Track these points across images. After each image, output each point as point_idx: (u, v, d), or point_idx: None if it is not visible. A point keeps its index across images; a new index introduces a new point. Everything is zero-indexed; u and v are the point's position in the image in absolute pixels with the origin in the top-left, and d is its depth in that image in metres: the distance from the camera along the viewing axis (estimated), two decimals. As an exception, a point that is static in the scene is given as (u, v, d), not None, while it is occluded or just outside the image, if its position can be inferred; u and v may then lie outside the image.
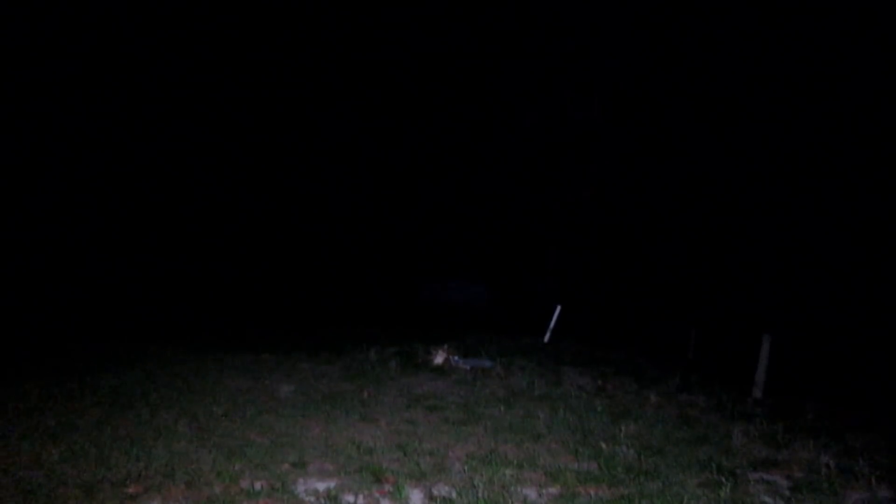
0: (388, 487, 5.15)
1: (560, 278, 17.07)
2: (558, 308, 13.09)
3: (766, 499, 5.23)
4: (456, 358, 10.06)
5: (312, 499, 4.89)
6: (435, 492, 5.09)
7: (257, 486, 5.03)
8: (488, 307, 17.69)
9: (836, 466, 5.88)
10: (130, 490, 4.84)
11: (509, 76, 18.48)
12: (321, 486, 5.12)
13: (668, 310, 14.60)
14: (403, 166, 19.96)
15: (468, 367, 9.78)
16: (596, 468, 5.77)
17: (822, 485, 5.49)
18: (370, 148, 19.86)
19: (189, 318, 15.56)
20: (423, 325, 14.79)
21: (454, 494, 5.04)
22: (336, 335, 13.28)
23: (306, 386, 8.37)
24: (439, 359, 9.97)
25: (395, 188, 20.27)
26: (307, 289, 19.63)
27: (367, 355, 10.46)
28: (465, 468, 5.60)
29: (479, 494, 5.05)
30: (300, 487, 5.07)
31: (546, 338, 13.01)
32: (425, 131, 19.68)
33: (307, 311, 17.80)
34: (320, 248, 19.95)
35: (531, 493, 5.17)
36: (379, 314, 17.10)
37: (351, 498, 4.94)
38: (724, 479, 5.49)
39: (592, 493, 5.23)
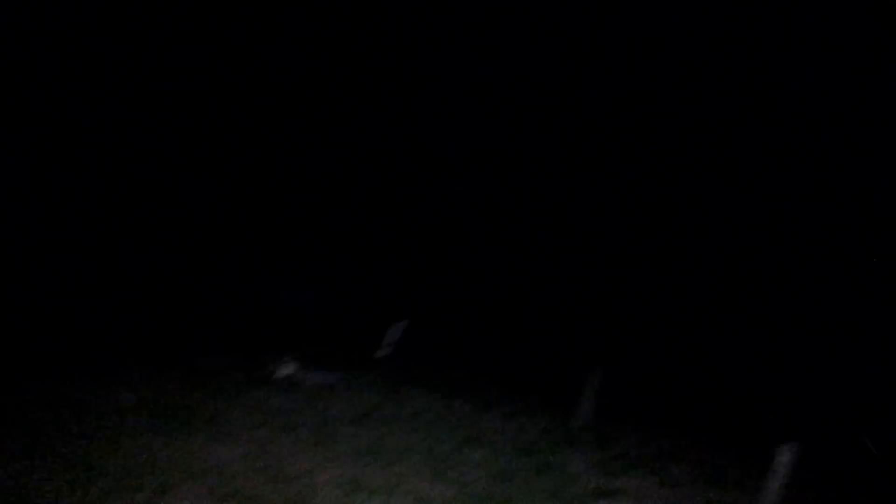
0: (260, 517, 5.09)
1: (396, 287, 17.35)
2: (402, 323, 13.35)
3: (606, 527, 5.87)
4: (302, 370, 9.96)
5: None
6: (310, 522, 5.12)
7: (121, 516, 4.75)
8: (323, 312, 17.47)
9: (662, 496, 6.73)
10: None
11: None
12: (191, 515, 4.94)
13: (502, 331, 15.45)
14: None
15: (315, 382, 9.74)
16: (454, 495, 6.10)
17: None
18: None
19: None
20: (261, 332, 14.36)
21: (329, 525, 5.11)
22: (164, 337, 12.53)
23: (147, 397, 7.88)
24: (285, 371, 9.82)
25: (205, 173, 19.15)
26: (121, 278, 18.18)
27: (207, 363, 10.03)
28: (335, 496, 5.66)
29: (354, 524, 5.16)
30: (168, 518, 4.86)
31: (386, 352, 13.22)
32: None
33: (127, 306, 16.55)
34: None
35: (402, 522, 5.38)
36: (212, 316, 16.31)
37: (225, 529, 4.83)
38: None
39: (457, 522, 5.55)
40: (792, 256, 14.51)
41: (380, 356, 13.20)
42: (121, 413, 7.09)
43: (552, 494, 6.39)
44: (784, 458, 5.57)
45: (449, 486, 6.32)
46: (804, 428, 9.11)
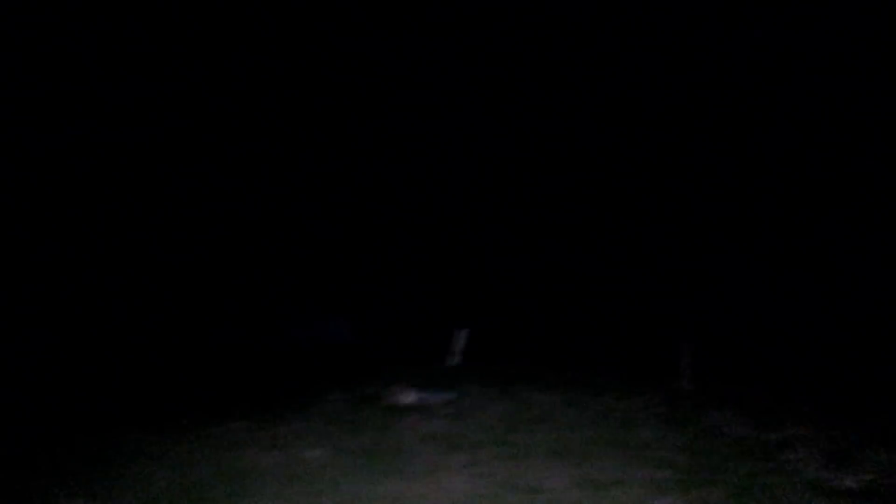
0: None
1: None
2: (463, 331, 13.87)
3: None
4: (424, 394, 10.37)
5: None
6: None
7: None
8: (356, 341, 17.51)
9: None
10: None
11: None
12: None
13: (559, 317, 16.17)
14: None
15: (441, 401, 10.18)
16: (670, 476, 6.75)
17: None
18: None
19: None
20: (314, 367, 14.56)
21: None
22: (244, 384, 12.61)
23: (326, 445, 8.16)
24: (410, 397, 10.21)
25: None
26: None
27: (330, 405, 10.31)
28: (588, 496, 6.21)
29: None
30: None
31: (454, 361, 13.71)
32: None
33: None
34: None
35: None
36: (239, 359, 16.37)
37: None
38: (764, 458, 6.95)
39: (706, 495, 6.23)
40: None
41: (451, 365, 13.72)
42: (311, 466, 7.37)
43: (745, 451, 7.23)
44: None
45: (660, 470, 6.97)
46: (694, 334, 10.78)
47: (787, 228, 15.10)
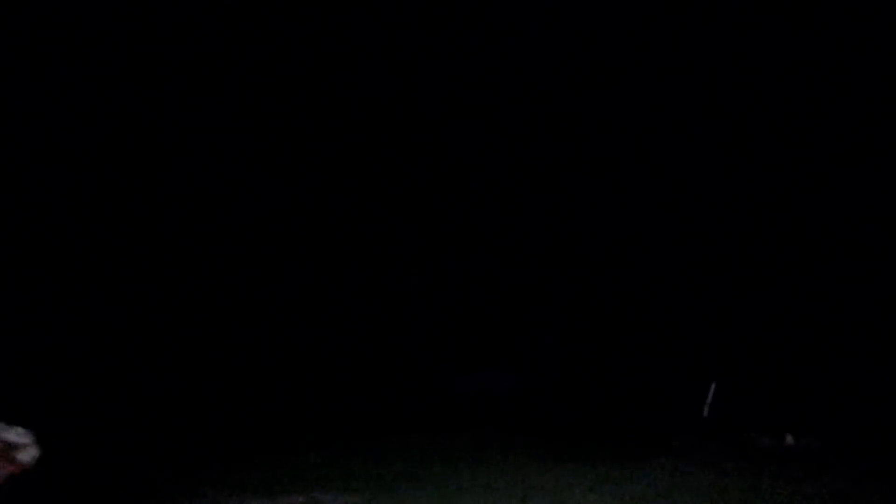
0: None
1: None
2: (713, 383, 15.02)
3: None
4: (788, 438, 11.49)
5: None
6: None
7: None
8: (522, 396, 18.03)
9: None
10: None
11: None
12: None
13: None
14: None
15: (805, 446, 11.32)
16: None
17: None
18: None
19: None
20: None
21: None
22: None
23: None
24: (788, 439, 11.30)
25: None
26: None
27: (702, 452, 11.16)
28: None
29: None
30: None
31: (706, 412, 14.83)
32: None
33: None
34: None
35: None
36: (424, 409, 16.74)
37: None
38: None
39: None
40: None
41: (708, 416, 14.86)
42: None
43: None
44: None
45: None
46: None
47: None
